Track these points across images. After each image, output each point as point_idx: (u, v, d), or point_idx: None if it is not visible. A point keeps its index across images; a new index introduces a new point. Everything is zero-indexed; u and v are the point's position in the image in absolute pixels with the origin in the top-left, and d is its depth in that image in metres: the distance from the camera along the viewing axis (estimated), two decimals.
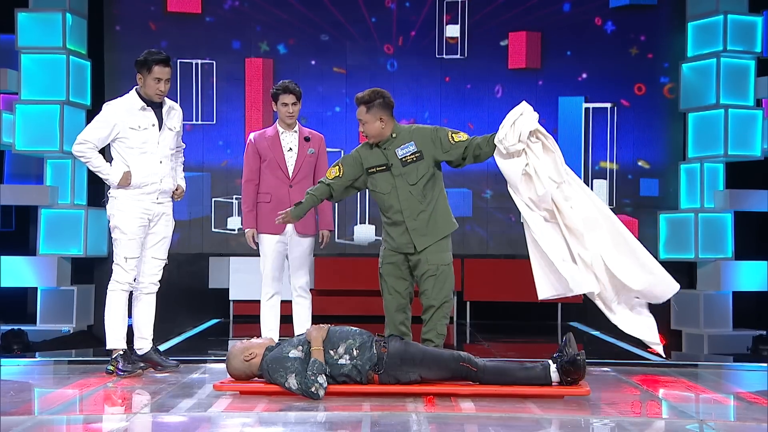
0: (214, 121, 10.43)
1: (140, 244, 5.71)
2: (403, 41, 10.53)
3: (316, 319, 6.08)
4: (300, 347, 5.07)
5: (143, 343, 5.79)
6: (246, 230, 6.21)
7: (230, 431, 4.33)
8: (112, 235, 5.75)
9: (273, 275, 6.16)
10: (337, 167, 5.64)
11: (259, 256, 6.26)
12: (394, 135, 5.52)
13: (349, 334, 5.10)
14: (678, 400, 5.18)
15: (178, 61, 10.35)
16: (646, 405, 5.02)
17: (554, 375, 4.96)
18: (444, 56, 10.50)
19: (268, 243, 6.15)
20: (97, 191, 10.18)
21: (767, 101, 9.96)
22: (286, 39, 10.50)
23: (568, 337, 5.04)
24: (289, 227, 6.12)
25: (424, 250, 5.50)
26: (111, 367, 5.33)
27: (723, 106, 9.65)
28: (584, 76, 10.37)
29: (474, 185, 10.42)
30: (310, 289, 6.34)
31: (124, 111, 5.64)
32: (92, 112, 10.01)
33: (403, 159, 5.49)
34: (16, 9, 9.61)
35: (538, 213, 5.35)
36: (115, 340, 5.43)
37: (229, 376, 5.22)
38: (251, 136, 6.26)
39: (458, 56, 10.50)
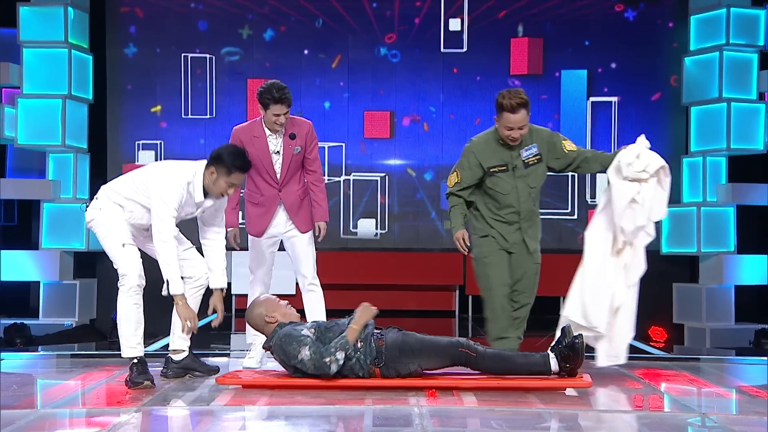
0: (214, 115, 10.42)
1: (131, 235, 5.30)
2: (406, 34, 10.51)
3: None
4: (312, 330, 5.09)
5: (181, 344, 5.46)
6: (228, 229, 5.79)
7: (232, 425, 4.32)
8: (98, 237, 5.32)
9: (264, 277, 5.96)
10: (455, 173, 5.55)
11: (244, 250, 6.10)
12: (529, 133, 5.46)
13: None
14: (680, 394, 5.19)
15: (179, 55, 10.34)
16: (648, 399, 5.02)
17: (553, 363, 4.97)
18: (448, 50, 10.47)
19: (254, 244, 5.91)
20: (99, 185, 10.17)
21: None
22: (285, 31, 10.48)
23: (566, 327, 5.06)
24: (281, 226, 5.89)
25: (534, 251, 5.55)
26: (127, 377, 5.14)
27: (725, 100, 9.63)
28: (587, 70, 10.36)
29: None
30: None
31: (186, 198, 5.26)
32: (94, 107, 10.03)
33: (527, 161, 5.44)
34: (18, 3, 9.60)
35: (610, 240, 5.36)
36: (128, 348, 5.15)
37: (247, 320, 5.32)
38: (235, 129, 5.89)
39: (462, 49, 10.47)
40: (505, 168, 5.45)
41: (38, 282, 9.68)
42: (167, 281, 5.13)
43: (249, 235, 5.96)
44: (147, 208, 5.23)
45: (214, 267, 5.45)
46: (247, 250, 5.98)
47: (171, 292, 5.14)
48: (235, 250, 5.95)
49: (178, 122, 10.38)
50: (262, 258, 5.95)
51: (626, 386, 5.30)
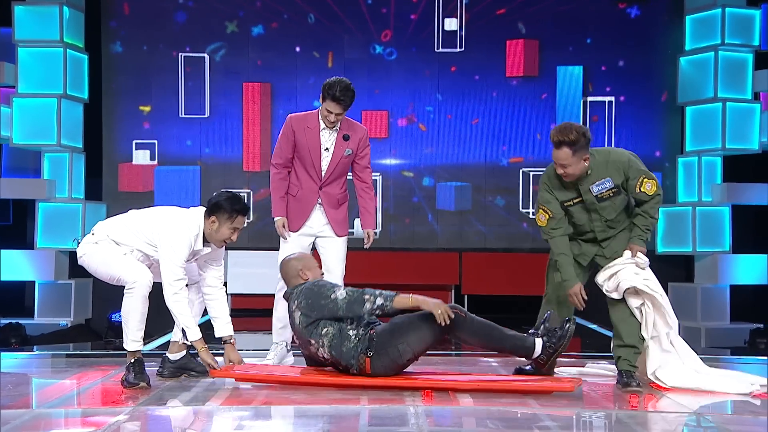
0: (207, 115, 10.41)
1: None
2: (401, 34, 10.49)
3: None
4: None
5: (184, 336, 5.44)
6: (276, 218, 5.80)
7: (228, 424, 4.31)
8: (93, 268, 5.25)
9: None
10: (543, 211, 5.26)
11: (255, 250, 6.12)
12: (589, 171, 5.15)
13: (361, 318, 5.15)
14: (676, 393, 5.18)
15: (175, 54, 10.32)
16: (644, 398, 5.00)
17: (539, 346, 5.01)
18: (443, 49, 10.46)
19: (290, 241, 5.80)
20: (94, 185, 10.19)
21: (765, 95, 9.97)
22: (277, 28, 10.46)
23: (550, 313, 5.11)
24: (318, 225, 5.82)
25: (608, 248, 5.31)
26: (123, 378, 5.13)
27: (721, 100, 9.65)
28: (583, 67, 10.36)
29: (473, 179, 10.41)
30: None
31: (192, 246, 5.25)
32: (89, 106, 10.02)
33: (599, 195, 5.17)
34: (13, 2, 9.59)
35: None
36: (132, 342, 5.12)
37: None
38: (290, 117, 5.79)
39: (457, 49, 10.46)
40: (579, 200, 5.23)
41: (33, 282, 9.67)
42: (183, 330, 5.20)
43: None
44: (146, 254, 5.24)
45: (219, 315, 5.41)
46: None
47: (190, 340, 5.20)
48: (284, 238, 5.88)
49: (173, 122, 10.36)
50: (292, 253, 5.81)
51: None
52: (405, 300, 4.99)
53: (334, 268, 5.88)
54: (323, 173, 5.78)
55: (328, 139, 5.75)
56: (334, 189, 5.83)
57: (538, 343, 5.04)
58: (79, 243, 5.35)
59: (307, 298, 5.09)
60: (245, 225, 5.38)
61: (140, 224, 5.27)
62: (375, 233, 6.05)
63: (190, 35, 10.38)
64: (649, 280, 5.18)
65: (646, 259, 5.21)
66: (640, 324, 5.20)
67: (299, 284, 5.23)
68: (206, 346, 5.22)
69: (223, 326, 5.39)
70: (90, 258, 5.26)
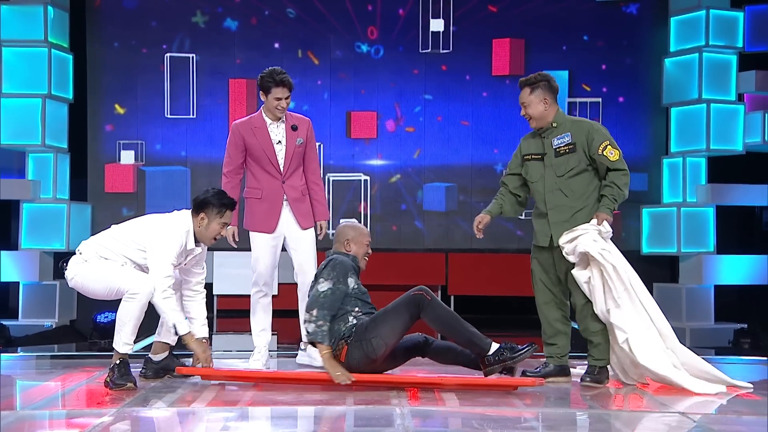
0: (194, 115, 10.38)
1: None
2: (389, 34, 10.49)
3: None
4: (356, 286, 5.25)
5: (168, 338, 5.45)
6: (227, 228, 5.68)
7: (214, 425, 4.31)
8: (87, 286, 5.24)
9: (266, 276, 5.87)
10: (509, 163, 5.61)
11: (241, 251, 6.11)
12: (554, 124, 5.40)
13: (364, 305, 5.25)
14: (660, 393, 5.19)
15: (161, 55, 10.29)
16: (629, 398, 5.04)
17: (493, 348, 5.04)
18: (428, 50, 10.47)
19: (261, 242, 5.84)
20: (79, 185, 10.15)
21: (749, 96, 10.02)
22: (269, 33, 10.45)
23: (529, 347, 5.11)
24: (286, 223, 5.87)
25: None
26: (107, 378, 5.12)
27: (705, 101, 9.69)
28: (568, 71, 10.38)
29: (458, 179, 10.42)
30: None
31: (185, 245, 5.28)
32: (74, 106, 9.98)
33: (557, 149, 5.37)
34: None
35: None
36: (123, 344, 5.10)
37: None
38: (235, 124, 5.87)
39: (441, 50, 10.47)
40: (539, 157, 5.42)
41: (18, 282, 9.62)
42: (174, 326, 5.18)
43: (253, 234, 5.88)
44: (139, 264, 5.24)
45: (197, 316, 5.42)
46: (231, 250, 5.94)
47: (179, 333, 5.20)
48: (234, 249, 5.94)
49: (159, 122, 10.33)
50: (268, 256, 5.87)
51: (607, 385, 5.32)
52: (321, 351, 5.06)
53: (304, 263, 5.91)
54: (282, 167, 5.83)
55: (277, 132, 5.83)
56: (295, 181, 5.88)
57: (494, 346, 5.06)
58: (65, 266, 5.30)
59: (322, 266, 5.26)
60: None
61: (128, 233, 5.28)
62: (327, 224, 6.09)
63: (175, 35, 10.35)
64: (606, 251, 5.21)
65: (610, 230, 5.29)
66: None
67: (339, 252, 5.37)
68: (194, 338, 5.22)
69: (200, 327, 5.40)
70: (83, 277, 5.24)
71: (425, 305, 5.03)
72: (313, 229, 5.96)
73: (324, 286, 5.12)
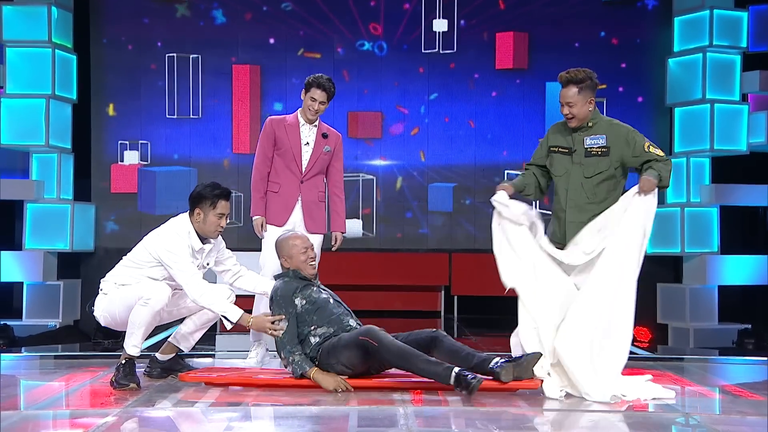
0: (200, 116, 10.40)
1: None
2: (394, 35, 10.50)
3: None
4: (304, 302, 5.21)
5: (186, 343, 5.51)
6: (254, 217, 6.00)
7: (217, 425, 4.32)
8: (115, 313, 5.23)
9: (273, 270, 5.85)
10: (535, 151, 5.52)
11: (244, 250, 6.16)
12: (590, 124, 5.26)
13: (332, 318, 5.21)
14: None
15: (166, 55, 10.31)
16: (633, 398, 5.00)
17: (453, 378, 4.85)
18: (430, 50, 10.48)
19: (272, 235, 5.91)
20: (83, 186, 10.16)
21: (753, 96, 10.02)
22: (272, 33, 10.46)
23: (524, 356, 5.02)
24: (296, 222, 5.96)
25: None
26: (113, 377, 5.16)
27: (709, 101, 9.70)
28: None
29: (461, 179, 10.42)
30: None
31: (191, 245, 5.30)
32: (78, 107, 10.00)
33: (589, 149, 5.25)
34: (1, 2, 9.56)
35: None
36: (132, 346, 5.12)
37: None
38: (269, 118, 6.06)
39: (452, 51, 10.47)
40: (566, 151, 5.32)
41: (21, 283, 9.64)
42: (223, 317, 5.16)
43: (267, 226, 6.00)
44: (157, 279, 5.24)
45: (257, 278, 5.58)
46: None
47: (233, 321, 5.16)
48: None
49: (163, 122, 10.34)
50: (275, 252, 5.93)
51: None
52: (309, 376, 5.04)
53: None
54: (304, 167, 5.99)
55: (308, 134, 6.01)
56: (314, 185, 6.00)
57: (453, 373, 4.87)
58: (93, 309, 5.33)
59: (271, 299, 5.27)
60: (230, 211, 5.41)
61: (137, 257, 5.30)
62: (343, 236, 6.21)
63: (179, 35, 10.37)
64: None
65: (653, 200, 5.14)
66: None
67: (282, 274, 5.36)
68: (249, 317, 5.20)
69: (266, 282, 5.54)
70: (109, 311, 5.25)
71: (374, 351, 5.00)
72: (320, 236, 6.06)
73: (281, 330, 5.14)
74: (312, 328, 5.18)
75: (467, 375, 4.83)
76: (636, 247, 5.13)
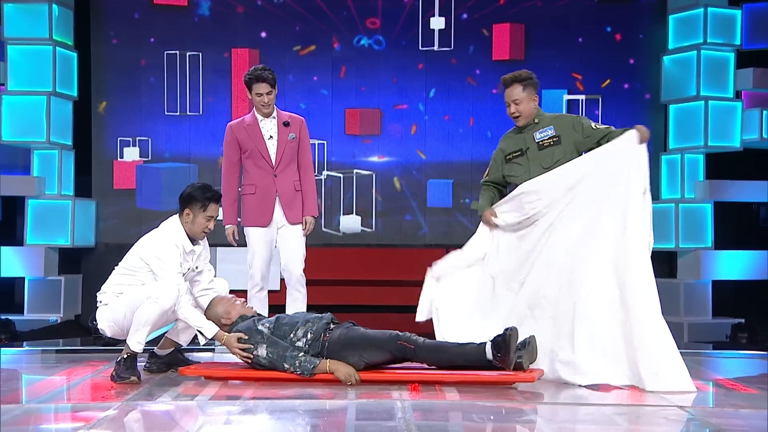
0: (201, 113, 10.44)
1: None
2: (391, 32, 10.53)
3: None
4: (268, 325, 5.21)
5: (183, 338, 5.58)
6: (226, 226, 5.99)
7: (216, 419, 4.36)
8: (118, 318, 5.29)
9: (262, 270, 6.00)
10: (489, 167, 5.68)
11: (243, 246, 6.20)
12: (536, 120, 5.48)
13: (309, 319, 5.25)
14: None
15: (165, 52, 10.34)
16: (628, 392, 5.05)
17: (489, 352, 5.01)
18: (428, 47, 10.51)
19: (255, 237, 5.98)
20: (84, 182, 10.21)
21: (746, 93, 10.06)
22: (268, 28, 10.48)
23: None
24: (277, 217, 6.00)
25: None
26: (113, 371, 5.21)
27: (703, 98, 9.74)
28: (566, 68, 10.41)
29: (457, 175, 10.46)
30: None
31: (182, 253, 5.34)
32: (79, 104, 10.04)
33: (540, 143, 5.43)
34: (2, 0, 9.59)
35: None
36: (136, 342, 5.16)
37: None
38: (228, 125, 6.06)
39: (448, 48, 10.50)
40: (520, 153, 5.49)
41: (23, 278, 9.68)
42: (199, 332, 5.22)
43: (248, 230, 6.01)
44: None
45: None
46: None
47: (208, 337, 5.22)
48: (233, 246, 6.05)
49: (163, 119, 10.37)
50: (263, 251, 5.99)
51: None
52: (320, 370, 5.07)
53: (291, 260, 6.04)
54: (273, 160, 5.98)
55: (269, 128, 6.00)
56: (288, 176, 6.01)
57: (488, 347, 5.04)
58: (96, 323, 5.37)
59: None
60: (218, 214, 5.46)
61: (130, 263, 5.33)
62: (313, 220, 6.15)
63: (179, 33, 10.39)
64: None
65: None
66: None
67: (231, 326, 5.29)
68: (225, 335, 5.22)
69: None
70: (112, 320, 5.29)
71: (410, 353, 5.10)
72: (301, 225, 6.07)
73: (263, 350, 5.13)
74: (291, 336, 5.17)
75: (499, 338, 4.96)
76: (637, 210, 5.27)
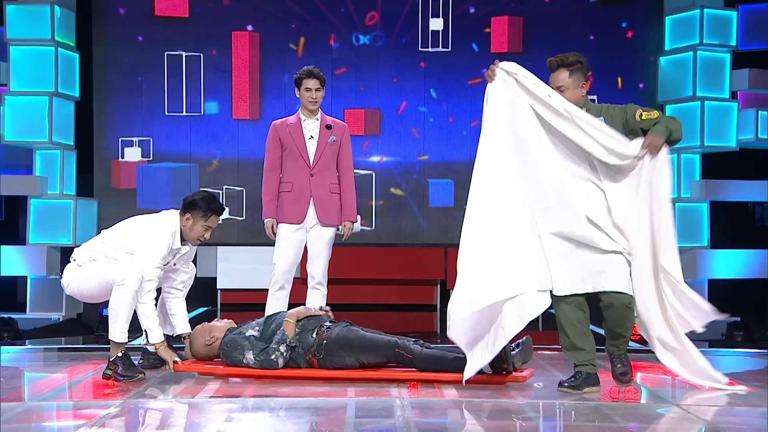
0: (201, 113, 10.48)
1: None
2: (389, 33, 10.57)
3: None
4: (257, 327, 5.26)
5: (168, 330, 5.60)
6: (266, 220, 6.05)
7: (217, 417, 4.38)
8: (82, 287, 5.34)
9: (287, 267, 6.00)
10: None
11: (244, 245, 6.24)
12: (584, 108, 4.92)
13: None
14: (655, 385, 5.27)
15: (166, 53, 10.39)
16: (624, 390, 5.06)
17: (486, 369, 4.95)
18: (429, 49, 10.55)
19: (286, 233, 6.00)
20: (86, 182, 10.26)
21: (742, 93, 10.12)
22: (270, 29, 10.52)
23: (524, 340, 5.13)
24: (310, 217, 6.03)
25: None
26: (109, 372, 5.19)
27: (699, 99, 9.79)
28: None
29: (457, 175, 10.49)
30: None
31: (172, 245, 5.36)
32: (81, 104, 10.09)
33: None
34: (5, 1, 9.61)
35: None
36: (119, 333, 5.17)
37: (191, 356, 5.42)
38: (273, 123, 6.14)
39: (445, 48, 10.54)
40: None
41: (25, 277, 9.73)
42: (146, 332, 5.27)
43: (280, 225, 6.04)
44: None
45: (179, 313, 5.58)
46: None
47: (151, 342, 5.27)
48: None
49: (165, 119, 10.42)
50: (291, 251, 6.01)
51: (602, 378, 5.31)
52: (289, 326, 5.17)
53: (315, 262, 6.06)
54: (311, 160, 6.02)
55: (311, 128, 6.05)
56: (324, 177, 6.04)
57: (486, 366, 4.97)
58: (61, 275, 5.41)
59: (228, 362, 5.26)
60: (219, 223, 5.53)
61: (117, 237, 5.36)
62: (353, 225, 6.20)
63: (180, 33, 10.44)
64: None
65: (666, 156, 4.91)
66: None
67: (219, 345, 5.32)
68: (165, 346, 5.30)
69: (184, 324, 5.56)
70: (77, 282, 5.32)
71: (407, 362, 5.12)
72: (333, 229, 6.11)
73: (249, 355, 5.17)
74: (279, 334, 5.20)
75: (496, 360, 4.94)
76: (666, 221, 5.12)
